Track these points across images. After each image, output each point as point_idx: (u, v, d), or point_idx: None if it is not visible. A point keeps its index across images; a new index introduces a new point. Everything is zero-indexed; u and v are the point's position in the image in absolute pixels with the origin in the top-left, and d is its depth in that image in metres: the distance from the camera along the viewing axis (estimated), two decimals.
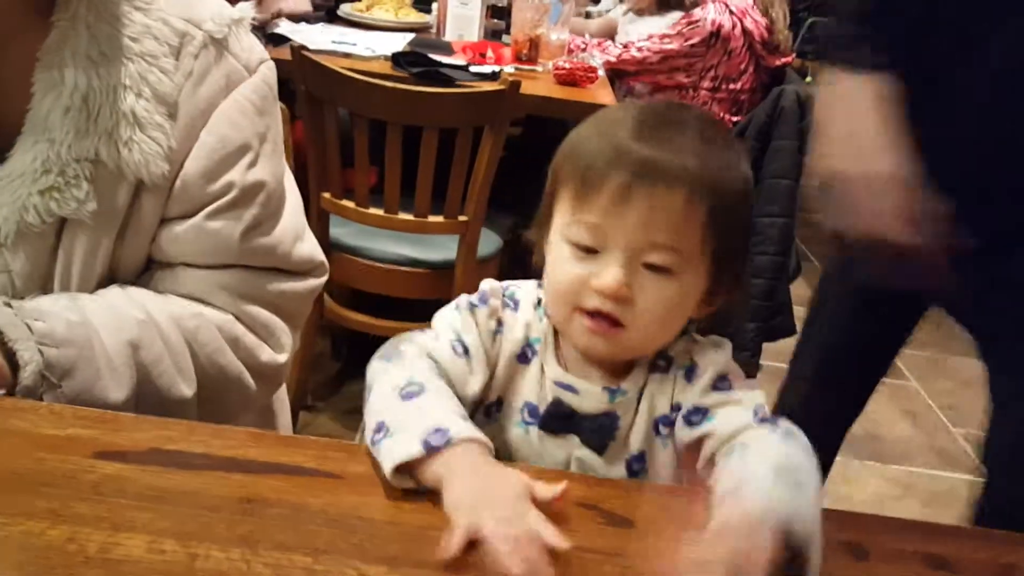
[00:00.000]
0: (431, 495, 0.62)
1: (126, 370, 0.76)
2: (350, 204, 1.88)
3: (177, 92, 0.79)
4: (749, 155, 2.15)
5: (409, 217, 1.88)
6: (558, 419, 0.74)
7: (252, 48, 0.85)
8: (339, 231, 1.98)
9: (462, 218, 1.88)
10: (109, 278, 0.82)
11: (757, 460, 0.64)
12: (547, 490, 0.61)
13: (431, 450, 0.61)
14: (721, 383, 0.72)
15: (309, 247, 0.92)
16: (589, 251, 0.69)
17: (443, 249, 1.98)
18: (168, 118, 0.78)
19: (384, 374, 0.69)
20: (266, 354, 0.88)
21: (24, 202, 0.75)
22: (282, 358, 0.90)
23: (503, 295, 0.77)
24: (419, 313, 1.92)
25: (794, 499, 0.60)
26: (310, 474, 0.64)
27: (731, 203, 0.69)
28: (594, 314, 0.69)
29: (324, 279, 0.94)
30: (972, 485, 2.14)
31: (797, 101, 2.09)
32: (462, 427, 0.63)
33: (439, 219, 1.88)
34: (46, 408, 0.67)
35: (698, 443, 0.71)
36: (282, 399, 1.06)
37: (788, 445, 0.66)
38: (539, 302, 0.77)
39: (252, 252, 0.85)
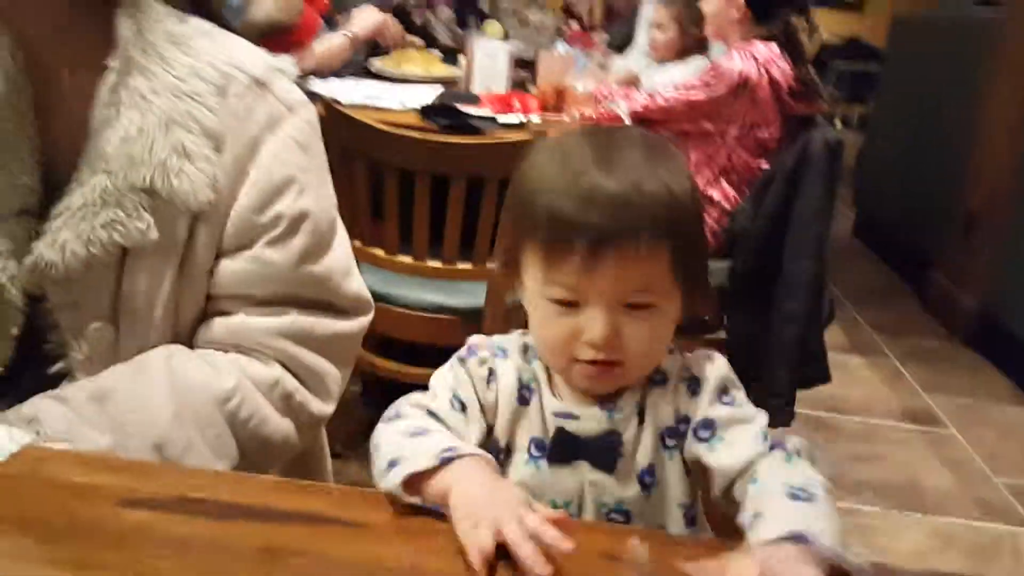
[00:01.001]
0: (455, 545, 0.61)
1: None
2: (380, 252, 1.90)
3: (223, 128, 0.82)
4: (779, 200, 2.15)
5: (438, 264, 1.89)
6: (563, 447, 0.75)
7: (292, 90, 0.89)
8: (369, 279, 1.99)
9: (490, 265, 1.89)
10: (173, 313, 0.84)
11: (770, 487, 0.65)
12: (544, 512, 0.62)
13: (443, 462, 0.65)
14: (725, 396, 0.74)
15: (357, 284, 0.95)
16: (570, 304, 0.71)
17: (471, 296, 1.98)
18: (215, 151, 0.82)
19: (387, 431, 0.72)
20: (315, 406, 0.89)
21: (89, 235, 0.78)
22: (330, 408, 0.91)
23: (490, 347, 0.80)
24: (448, 359, 1.93)
25: (812, 516, 0.61)
26: (332, 523, 0.64)
27: (686, 219, 0.72)
28: (590, 361, 0.71)
29: (371, 317, 0.97)
30: (1015, 536, 2.07)
31: (826, 147, 2.08)
32: (470, 447, 0.68)
33: (467, 266, 1.89)
34: (74, 456, 0.68)
35: (705, 473, 0.73)
36: (322, 445, 1.07)
37: (794, 465, 0.68)
38: (525, 348, 0.79)
39: (304, 282, 0.87)
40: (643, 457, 0.75)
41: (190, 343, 0.86)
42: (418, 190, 1.80)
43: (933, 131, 3.78)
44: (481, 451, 0.69)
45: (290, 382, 0.87)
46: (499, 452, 0.77)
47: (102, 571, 0.55)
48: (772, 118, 2.33)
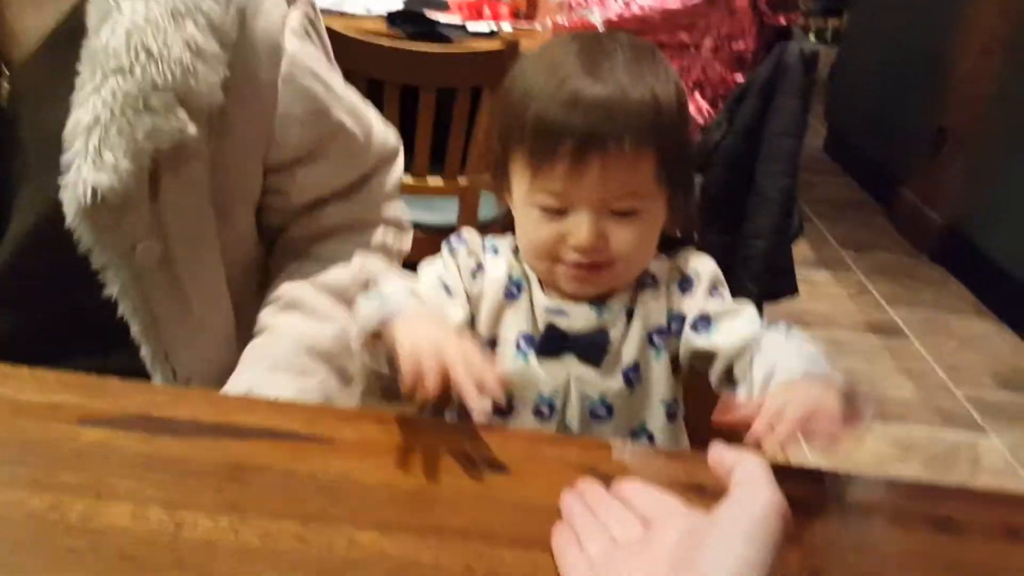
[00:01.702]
0: (424, 460, 0.61)
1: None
2: None
3: (229, 22, 0.77)
4: (753, 113, 2.12)
5: (408, 180, 1.85)
6: (553, 341, 0.77)
7: None
8: None
9: (462, 180, 1.85)
10: (214, 221, 0.82)
11: (779, 349, 0.69)
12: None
13: (390, 316, 0.66)
14: (715, 291, 0.77)
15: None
16: (557, 211, 0.72)
17: (443, 212, 1.95)
18: (221, 47, 0.76)
19: (362, 303, 0.72)
20: (406, 243, 1.02)
21: (133, 148, 0.72)
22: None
23: (483, 242, 0.81)
24: None
25: (824, 363, 0.65)
26: (300, 439, 0.63)
27: (673, 124, 0.73)
28: (575, 264, 0.73)
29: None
30: (973, 444, 2.14)
31: (801, 58, 2.04)
32: (395, 303, 0.68)
33: (438, 182, 1.85)
34: (29, 374, 0.66)
35: (702, 358, 0.76)
36: None
37: (794, 336, 0.71)
38: (518, 249, 0.80)
39: (370, 156, 0.93)
40: (629, 355, 0.77)
41: (244, 250, 0.88)
42: (386, 101, 1.74)
43: (907, 47, 3.73)
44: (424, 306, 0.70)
45: (391, 237, 0.97)
46: (482, 345, 0.77)
47: (61, 491, 0.54)
48: (748, 28, 2.28)
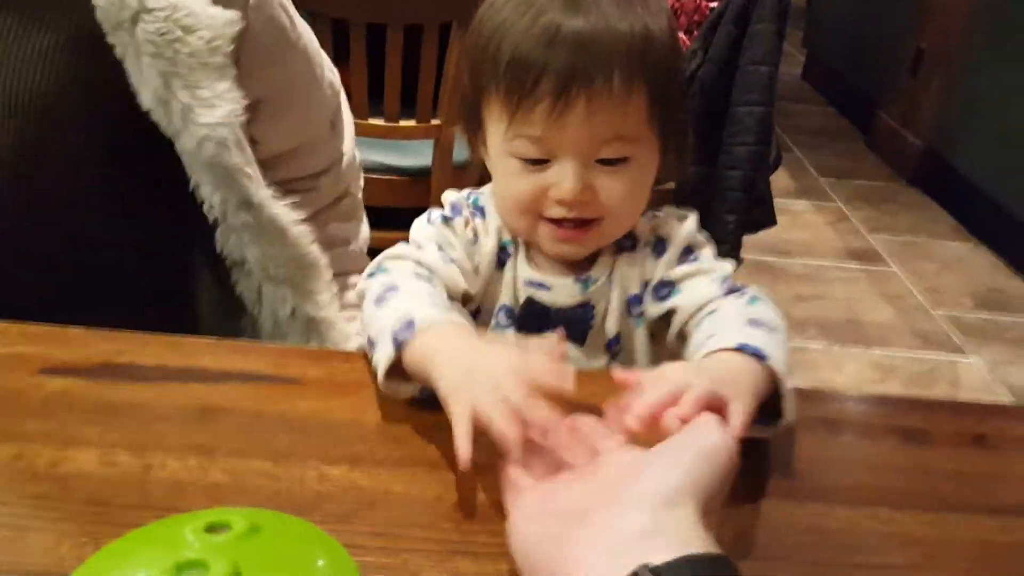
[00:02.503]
0: (396, 400, 0.61)
1: None
2: None
3: None
4: (728, 41, 2.09)
5: (379, 122, 1.82)
6: (533, 318, 0.72)
7: None
8: None
9: (435, 122, 1.83)
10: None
11: (728, 315, 0.64)
12: (542, 357, 0.54)
13: (400, 345, 0.57)
14: (687, 255, 0.71)
15: None
16: (537, 161, 0.65)
17: (418, 155, 1.92)
18: None
19: (368, 290, 0.66)
20: None
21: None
22: None
23: (469, 205, 0.74)
24: (398, 222, 1.89)
25: (767, 341, 0.58)
26: (268, 381, 0.62)
27: (665, 60, 0.65)
28: (558, 221, 0.67)
29: None
30: (953, 364, 2.17)
31: None
32: (428, 313, 0.59)
33: (411, 123, 1.82)
34: None
35: (667, 318, 0.70)
36: None
37: (756, 304, 0.65)
38: None
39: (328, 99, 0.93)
40: (611, 326, 0.72)
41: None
42: (353, 42, 1.70)
43: None
44: (444, 315, 0.60)
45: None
46: (472, 316, 0.74)
47: (26, 440, 0.54)
48: None
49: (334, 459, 0.55)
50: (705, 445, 0.45)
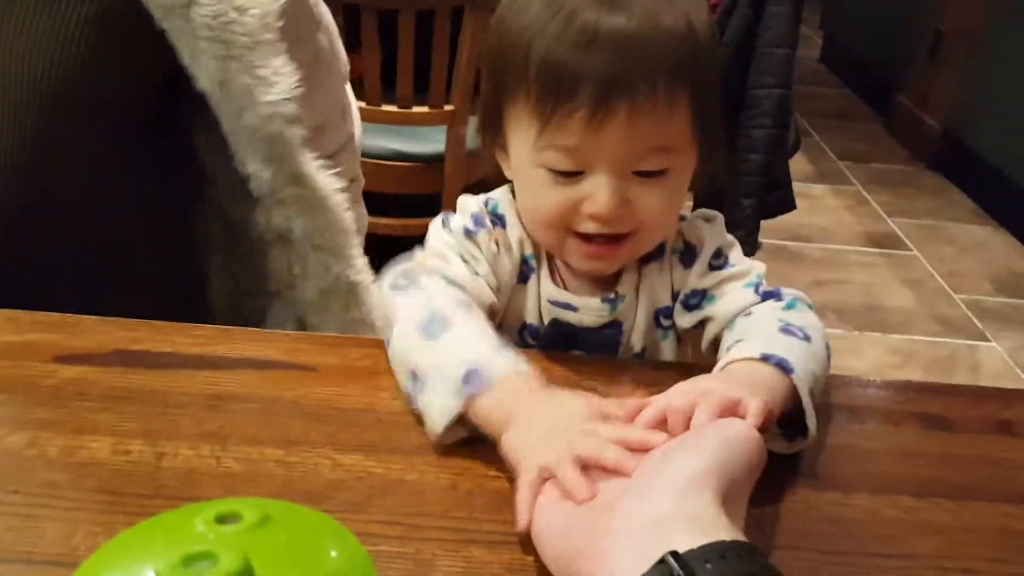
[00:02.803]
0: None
1: None
2: None
3: None
4: (744, 24, 2.06)
5: (392, 108, 1.81)
6: (560, 339, 0.68)
7: None
8: None
9: (448, 107, 1.81)
10: None
11: (760, 320, 0.62)
12: (620, 407, 0.51)
13: (471, 399, 0.53)
14: (717, 260, 0.67)
15: None
16: (569, 174, 0.60)
17: (431, 141, 1.91)
18: None
19: (403, 308, 0.60)
20: None
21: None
22: None
23: (489, 214, 0.68)
24: (412, 208, 1.88)
25: (796, 351, 0.56)
26: (281, 368, 0.62)
27: (710, 61, 0.62)
28: (590, 236, 0.62)
29: None
30: (973, 349, 2.14)
31: None
32: (498, 364, 0.54)
33: (424, 109, 1.81)
34: (2, 314, 0.65)
35: (699, 326, 0.67)
36: None
37: (793, 310, 0.62)
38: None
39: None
40: (638, 341, 0.69)
41: None
42: (364, 27, 1.69)
43: None
44: (516, 365, 0.54)
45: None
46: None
47: (39, 428, 0.53)
48: None
49: (347, 447, 0.54)
50: (728, 434, 0.45)
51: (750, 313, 0.63)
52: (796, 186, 2.26)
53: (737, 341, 0.59)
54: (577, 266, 0.66)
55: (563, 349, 0.68)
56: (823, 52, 4.43)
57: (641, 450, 0.46)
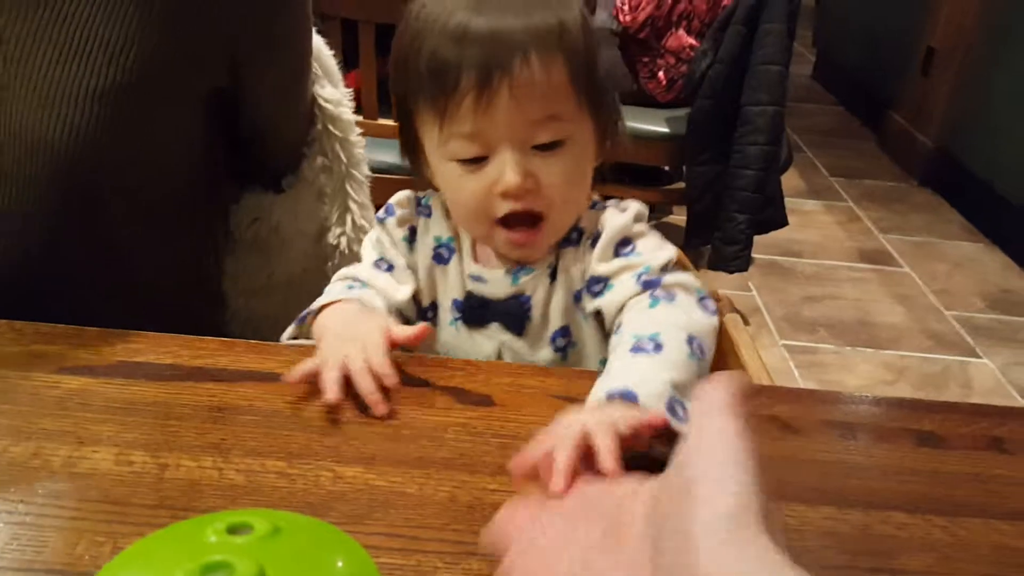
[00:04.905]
0: (407, 398, 0.61)
1: None
2: None
3: None
4: (738, 41, 2.08)
5: (389, 123, 1.82)
6: (474, 310, 0.74)
7: None
8: None
9: None
10: None
11: (621, 337, 0.61)
12: (403, 331, 0.64)
13: (303, 319, 0.69)
14: (624, 247, 0.70)
15: None
16: (476, 161, 0.66)
17: None
18: None
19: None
20: None
21: None
22: None
23: (418, 203, 0.76)
24: None
25: (645, 366, 0.56)
26: (282, 380, 0.62)
27: (581, 41, 0.65)
28: (511, 221, 0.67)
29: None
30: (964, 366, 2.16)
31: None
32: (330, 296, 0.69)
33: None
34: (7, 325, 0.65)
35: (599, 316, 0.71)
36: None
37: (657, 306, 0.63)
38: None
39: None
40: (556, 319, 0.73)
41: None
42: (362, 41, 1.71)
43: None
44: (354, 296, 0.70)
45: None
46: (425, 311, 0.76)
47: (43, 438, 0.54)
48: None
49: (348, 459, 0.55)
50: (724, 444, 0.36)
51: (619, 328, 0.64)
52: (788, 202, 2.28)
53: (603, 375, 0.58)
54: (508, 254, 0.72)
55: (478, 319, 0.74)
56: (816, 69, 4.46)
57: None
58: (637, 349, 0.59)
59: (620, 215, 0.71)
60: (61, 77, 0.68)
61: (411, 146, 0.71)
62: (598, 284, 0.70)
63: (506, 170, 0.64)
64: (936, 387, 2.07)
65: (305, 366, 0.60)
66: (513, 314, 0.73)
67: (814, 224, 2.88)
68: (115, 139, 0.71)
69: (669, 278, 0.66)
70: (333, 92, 0.93)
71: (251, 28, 0.78)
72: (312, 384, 0.62)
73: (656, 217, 2.77)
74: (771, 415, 0.64)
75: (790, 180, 2.79)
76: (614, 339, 0.63)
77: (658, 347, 0.59)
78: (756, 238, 2.19)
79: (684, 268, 0.91)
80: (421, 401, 0.61)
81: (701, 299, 0.65)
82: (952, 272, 2.62)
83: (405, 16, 0.67)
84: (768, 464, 0.50)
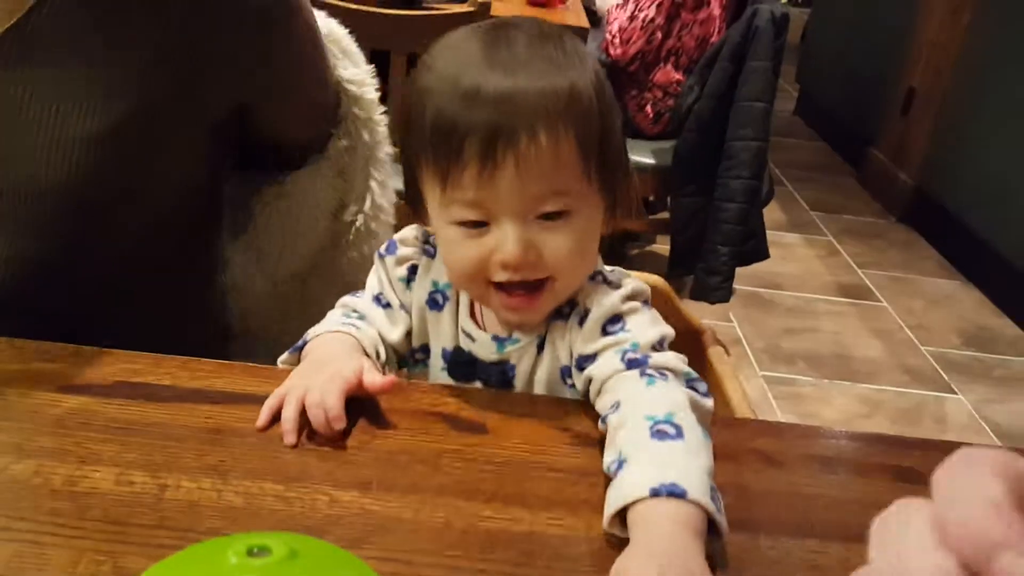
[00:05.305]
0: (403, 424, 0.62)
1: None
2: None
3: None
4: (724, 77, 2.12)
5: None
6: (461, 365, 0.72)
7: None
8: None
9: None
10: None
11: (630, 414, 0.59)
12: (372, 379, 0.62)
13: (296, 350, 0.70)
14: (612, 325, 0.67)
15: None
16: (477, 224, 0.63)
17: None
18: None
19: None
20: None
21: None
22: None
23: (424, 241, 0.73)
24: None
25: (678, 455, 0.55)
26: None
27: (593, 111, 0.63)
28: (507, 286, 0.64)
29: None
30: (939, 401, 2.19)
31: (772, 20, 2.05)
32: (326, 326, 0.71)
33: None
34: (8, 343, 0.66)
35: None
36: None
37: (654, 385, 0.61)
38: None
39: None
40: (540, 390, 0.71)
41: None
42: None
43: (877, 8, 3.75)
44: (347, 329, 0.70)
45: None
46: (415, 352, 0.75)
47: (44, 456, 0.55)
48: None
49: (345, 484, 0.56)
50: None
51: (618, 405, 0.61)
52: (770, 235, 2.32)
53: (622, 462, 0.56)
54: (504, 317, 0.69)
55: (464, 375, 0.73)
56: (798, 105, 4.54)
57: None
58: (661, 435, 0.56)
59: (610, 294, 0.67)
60: (58, 123, 0.69)
61: (414, 197, 0.68)
62: (587, 361, 0.67)
63: (507, 241, 0.62)
64: (911, 422, 2.11)
65: (270, 401, 0.62)
66: (500, 378, 0.71)
67: (795, 257, 2.93)
68: (120, 175, 0.72)
69: (657, 358, 0.63)
70: (356, 72, 0.91)
71: (254, 67, 0.78)
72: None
73: (640, 246, 2.80)
74: (753, 448, 0.65)
75: (772, 213, 2.84)
76: (615, 417, 0.60)
77: (679, 432, 0.56)
78: (738, 270, 2.22)
79: (674, 305, 0.93)
80: (417, 427, 0.62)
81: (692, 381, 0.63)
82: (929, 308, 2.67)
83: (420, 63, 0.65)
84: (751, 496, 0.52)
